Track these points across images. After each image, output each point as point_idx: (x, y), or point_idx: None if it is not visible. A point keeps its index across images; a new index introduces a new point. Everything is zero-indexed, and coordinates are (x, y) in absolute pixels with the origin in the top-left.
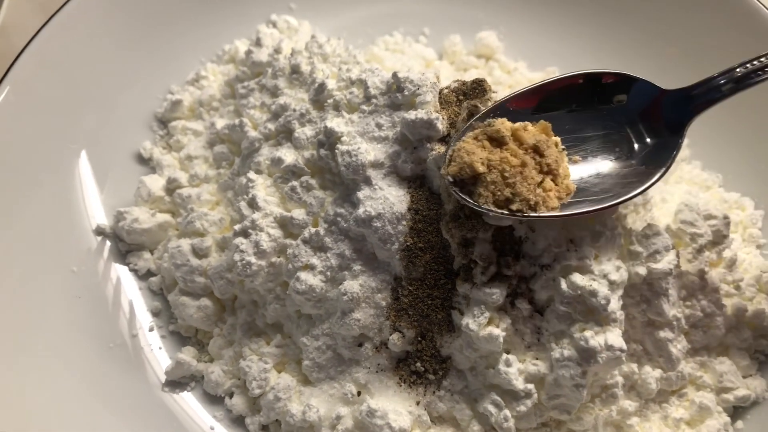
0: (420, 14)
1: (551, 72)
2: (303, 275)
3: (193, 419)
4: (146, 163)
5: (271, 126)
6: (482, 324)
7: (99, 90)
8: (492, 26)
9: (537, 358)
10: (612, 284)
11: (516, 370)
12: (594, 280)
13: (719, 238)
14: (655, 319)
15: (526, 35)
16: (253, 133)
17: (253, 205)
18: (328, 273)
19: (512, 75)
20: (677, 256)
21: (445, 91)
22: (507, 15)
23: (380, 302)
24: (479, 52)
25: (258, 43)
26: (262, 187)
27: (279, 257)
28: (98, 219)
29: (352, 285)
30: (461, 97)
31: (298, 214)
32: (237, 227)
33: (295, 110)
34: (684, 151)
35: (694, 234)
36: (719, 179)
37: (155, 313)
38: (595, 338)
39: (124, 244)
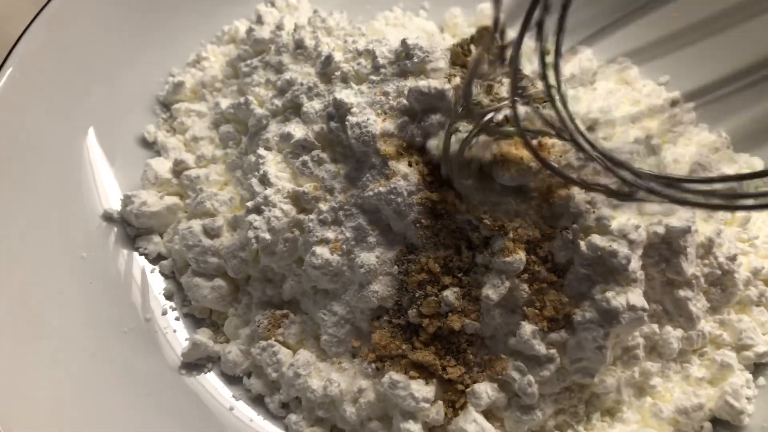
0: None
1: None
2: (318, 249)
3: (212, 400)
4: (150, 146)
5: (278, 102)
6: (502, 293)
7: (99, 74)
8: None
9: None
10: (632, 244)
11: (537, 335)
12: (614, 240)
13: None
14: (674, 279)
15: (526, 5)
16: (259, 111)
17: (264, 181)
18: (344, 246)
19: None
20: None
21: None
22: None
23: (397, 274)
24: (480, 23)
25: (259, 20)
26: (273, 163)
27: (293, 232)
28: (107, 203)
29: (369, 257)
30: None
31: (311, 188)
32: (249, 204)
33: (302, 84)
34: (690, 114)
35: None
36: (727, 140)
37: (168, 296)
38: (616, 299)
39: (133, 229)
